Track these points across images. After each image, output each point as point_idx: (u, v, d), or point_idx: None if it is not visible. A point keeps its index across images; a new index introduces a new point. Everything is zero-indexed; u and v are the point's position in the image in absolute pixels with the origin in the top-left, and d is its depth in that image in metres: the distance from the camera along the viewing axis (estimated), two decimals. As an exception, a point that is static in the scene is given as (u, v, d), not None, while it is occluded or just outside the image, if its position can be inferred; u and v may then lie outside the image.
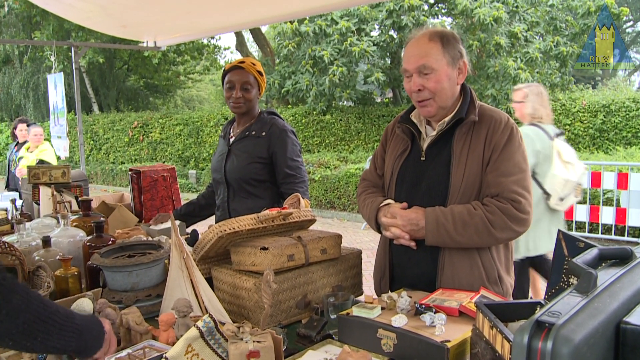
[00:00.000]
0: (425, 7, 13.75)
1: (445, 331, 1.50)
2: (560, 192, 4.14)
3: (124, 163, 18.08)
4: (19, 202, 4.29)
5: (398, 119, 2.23)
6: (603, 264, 1.08)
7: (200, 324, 1.44)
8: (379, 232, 2.19)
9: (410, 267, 2.11)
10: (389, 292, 2.19)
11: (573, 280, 1.41)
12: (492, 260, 2.04)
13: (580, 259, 0.98)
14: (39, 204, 3.44)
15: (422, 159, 2.09)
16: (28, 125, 7.82)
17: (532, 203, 1.98)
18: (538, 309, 1.32)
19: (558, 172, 4.08)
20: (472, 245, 1.98)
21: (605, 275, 0.95)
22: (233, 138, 3.06)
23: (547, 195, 4.16)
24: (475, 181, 1.98)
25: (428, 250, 2.04)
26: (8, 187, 7.68)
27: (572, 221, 7.67)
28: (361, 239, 9.01)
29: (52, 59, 7.97)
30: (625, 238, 7.31)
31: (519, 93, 4.48)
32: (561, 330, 0.75)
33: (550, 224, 4.20)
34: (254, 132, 2.96)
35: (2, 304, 1.20)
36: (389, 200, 2.14)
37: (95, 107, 22.12)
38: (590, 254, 1.02)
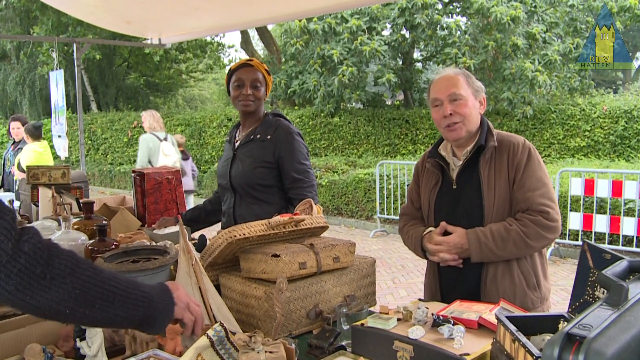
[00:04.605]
0: (439, 6, 13.74)
1: (464, 344, 1.51)
2: None
3: (123, 164, 18.10)
4: (16, 204, 4.32)
5: (427, 154, 2.55)
6: (631, 277, 1.09)
7: (210, 332, 1.46)
8: (425, 258, 2.48)
9: (459, 284, 2.38)
10: None
11: (598, 293, 1.42)
12: (529, 268, 2.32)
13: (610, 271, 0.99)
14: (37, 206, 3.47)
15: (454, 187, 2.40)
16: (23, 124, 7.88)
17: (559, 211, 2.28)
18: (561, 322, 1.34)
19: (161, 160, 7.36)
20: (512, 257, 2.28)
21: (636, 288, 0.96)
22: (238, 142, 3.08)
23: None
24: (505, 200, 2.29)
25: (473, 267, 2.31)
26: (2, 187, 7.73)
27: (591, 232, 7.65)
28: (370, 247, 9.01)
29: (54, 55, 8.02)
30: (647, 250, 7.28)
31: (142, 117, 8.05)
32: (593, 343, 0.76)
33: None
34: (258, 136, 2.97)
35: (44, 269, 1.20)
36: (431, 228, 2.43)
37: (94, 106, 22.22)
38: (620, 266, 1.03)
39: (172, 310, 1.42)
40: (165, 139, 7.64)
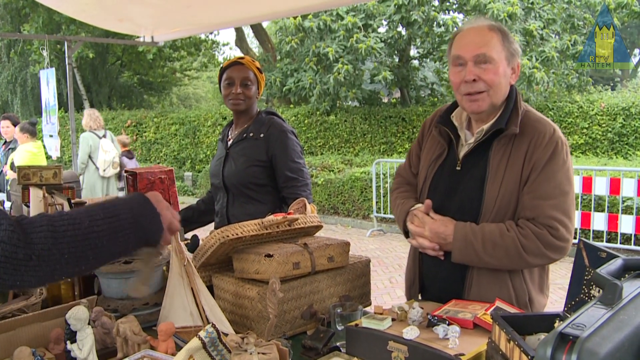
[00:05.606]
0: (436, 3, 13.76)
1: (460, 344, 1.50)
2: (103, 166, 8.38)
3: (116, 164, 18.04)
4: (7, 204, 4.31)
5: (437, 116, 2.18)
6: (627, 275, 1.09)
7: (202, 334, 1.45)
8: (407, 236, 2.19)
9: (439, 281, 2.11)
10: (419, 299, 2.20)
11: (594, 292, 1.42)
12: (523, 283, 2.01)
13: (605, 270, 0.99)
14: (29, 206, 3.45)
15: (458, 168, 2.06)
16: (14, 124, 7.87)
17: (573, 228, 1.92)
18: (557, 321, 1.34)
19: (101, 156, 8.36)
20: (500, 267, 1.95)
21: (630, 287, 0.96)
22: (231, 141, 3.07)
23: (97, 168, 8.38)
24: (510, 200, 1.94)
25: (457, 266, 2.01)
26: None
27: (589, 230, 7.67)
28: (367, 246, 9.02)
29: (44, 53, 8.02)
30: (646, 248, 7.30)
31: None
32: (586, 343, 0.76)
33: (102, 186, 8.45)
34: (251, 134, 2.97)
35: (26, 251, 1.16)
36: (419, 205, 2.12)
37: (87, 105, 22.13)
38: (615, 264, 1.03)
39: (160, 221, 1.40)
40: (105, 136, 8.58)
